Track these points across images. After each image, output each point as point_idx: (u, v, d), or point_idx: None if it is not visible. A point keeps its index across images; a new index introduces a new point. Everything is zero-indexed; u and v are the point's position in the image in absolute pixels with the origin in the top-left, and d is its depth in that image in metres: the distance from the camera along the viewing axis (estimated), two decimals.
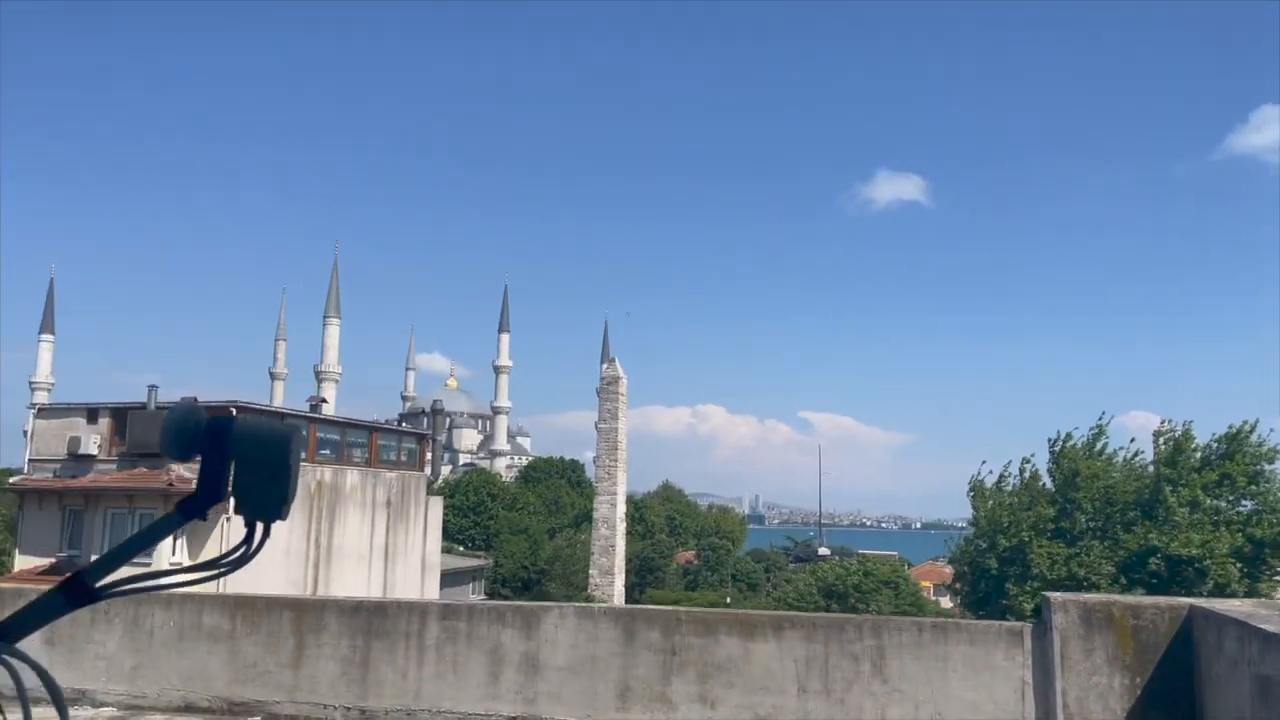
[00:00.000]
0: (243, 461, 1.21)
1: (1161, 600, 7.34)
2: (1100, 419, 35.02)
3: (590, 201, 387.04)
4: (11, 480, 35.31)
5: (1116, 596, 7.40)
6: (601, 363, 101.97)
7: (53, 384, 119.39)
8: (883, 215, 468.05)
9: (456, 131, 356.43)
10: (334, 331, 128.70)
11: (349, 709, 8.54)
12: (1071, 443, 34.55)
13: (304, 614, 8.88)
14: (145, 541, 1.25)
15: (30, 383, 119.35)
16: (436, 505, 44.04)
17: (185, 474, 30.95)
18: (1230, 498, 32.21)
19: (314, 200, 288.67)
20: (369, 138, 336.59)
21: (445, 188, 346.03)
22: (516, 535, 72.01)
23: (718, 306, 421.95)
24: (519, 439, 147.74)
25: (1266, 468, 32.41)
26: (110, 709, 8.91)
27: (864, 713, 7.60)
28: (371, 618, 8.71)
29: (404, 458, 41.46)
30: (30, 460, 32.88)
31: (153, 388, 32.03)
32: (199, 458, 1.22)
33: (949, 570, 43.97)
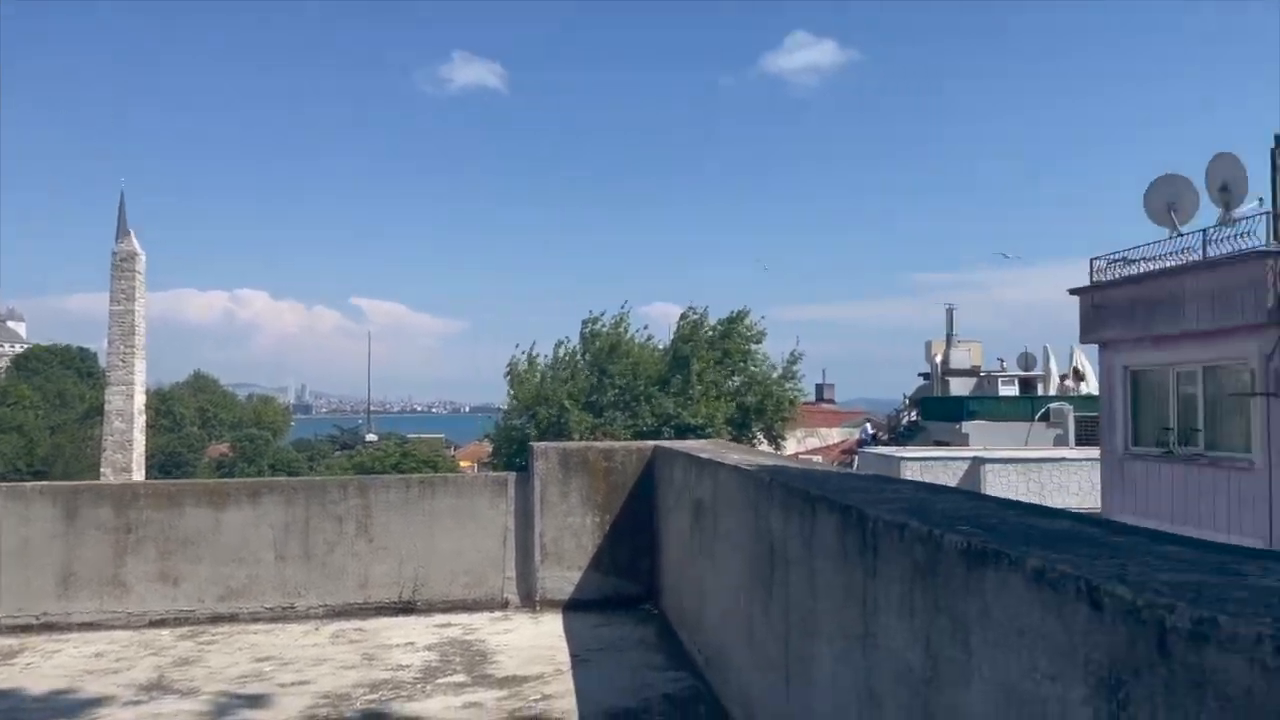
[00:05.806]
0: None
1: (633, 444, 7.81)
2: (623, 307, 38.39)
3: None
4: None
5: (595, 443, 7.74)
6: (117, 239, 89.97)
7: None
8: (458, 97, 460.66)
9: None
10: None
11: None
12: (599, 324, 37.54)
13: None
14: None
15: None
16: None
17: None
18: (726, 373, 37.13)
19: None
20: None
21: None
22: (7, 433, 62.31)
23: (268, 187, 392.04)
24: (10, 323, 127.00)
25: (754, 348, 37.82)
26: None
27: (347, 574, 7.27)
28: None
29: None
30: None
31: None
32: None
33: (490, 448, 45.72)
